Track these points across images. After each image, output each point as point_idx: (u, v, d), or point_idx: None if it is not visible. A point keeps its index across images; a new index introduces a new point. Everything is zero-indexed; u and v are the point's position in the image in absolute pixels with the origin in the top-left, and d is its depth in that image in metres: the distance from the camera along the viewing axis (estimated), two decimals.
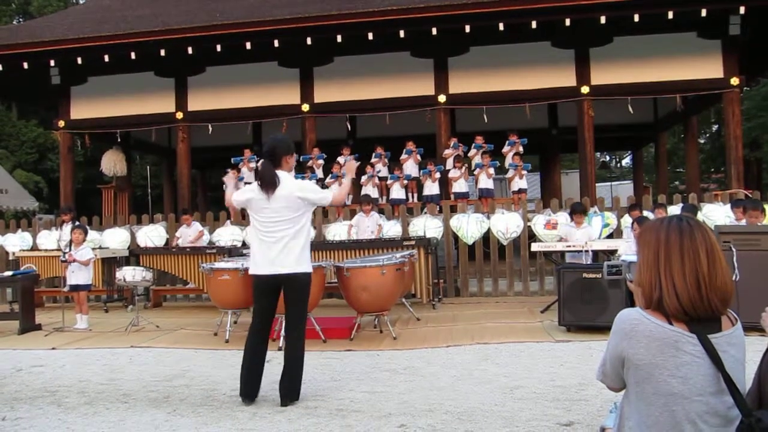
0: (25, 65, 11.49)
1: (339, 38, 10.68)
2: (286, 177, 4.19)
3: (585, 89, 11.28)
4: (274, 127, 12.52)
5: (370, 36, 10.59)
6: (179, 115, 12.49)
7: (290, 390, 4.14)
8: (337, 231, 9.62)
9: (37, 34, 11.81)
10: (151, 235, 10.26)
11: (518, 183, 11.00)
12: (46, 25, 12.96)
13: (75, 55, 11.31)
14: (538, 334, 6.28)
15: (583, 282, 6.22)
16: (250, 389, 4.17)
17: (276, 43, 10.84)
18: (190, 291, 9.89)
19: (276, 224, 4.13)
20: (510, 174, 11.15)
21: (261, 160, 4.28)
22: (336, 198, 4.53)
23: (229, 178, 5.05)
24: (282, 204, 4.12)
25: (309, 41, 10.77)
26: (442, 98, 11.65)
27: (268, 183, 4.12)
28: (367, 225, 9.12)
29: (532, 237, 9.24)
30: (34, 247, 10.46)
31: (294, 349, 4.21)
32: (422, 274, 8.03)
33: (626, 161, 34.38)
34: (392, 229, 9.52)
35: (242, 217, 10.01)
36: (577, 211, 8.11)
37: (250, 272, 4.30)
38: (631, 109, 11.42)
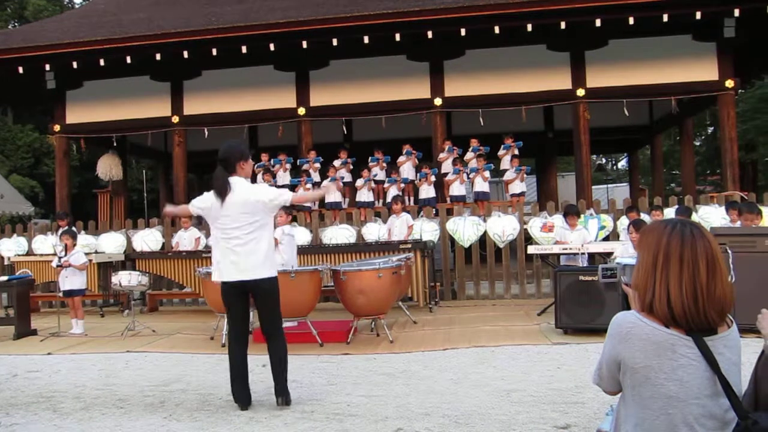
0: (21, 70, 11.46)
1: (335, 42, 10.68)
2: (240, 182, 4.17)
3: (580, 92, 11.31)
4: (270, 131, 12.56)
5: (366, 39, 10.60)
6: (175, 119, 12.49)
7: (283, 388, 4.19)
8: (333, 234, 9.60)
9: (32, 39, 11.78)
10: (147, 239, 10.22)
11: (518, 186, 11.01)
12: (42, 30, 12.94)
13: (70, 59, 11.28)
14: (535, 336, 6.28)
15: (579, 284, 6.22)
16: (243, 394, 4.20)
17: (272, 47, 10.83)
18: (187, 295, 9.86)
19: (234, 230, 4.13)
20: (510, 177, 11.16)
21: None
22: (297, 198, 4.62)
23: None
24: (238, 210, 4.11)
25: (305, 45, 10.78)
26: (438, 101, 11.66)
27: (219, 189, 4.13)
28: (396, 226, 9.07)
29: (528, 240, 9.23)
30: (30, 252, 10.42)
31: (278, 349, 4.25)
32: (419, 277, 8.03)
33: (622, 164, 34.48)
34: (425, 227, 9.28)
35: None
36: (571, 213, 8.11)
37: (213, 278, 4.32)
38: (626, 112, 11.46)
